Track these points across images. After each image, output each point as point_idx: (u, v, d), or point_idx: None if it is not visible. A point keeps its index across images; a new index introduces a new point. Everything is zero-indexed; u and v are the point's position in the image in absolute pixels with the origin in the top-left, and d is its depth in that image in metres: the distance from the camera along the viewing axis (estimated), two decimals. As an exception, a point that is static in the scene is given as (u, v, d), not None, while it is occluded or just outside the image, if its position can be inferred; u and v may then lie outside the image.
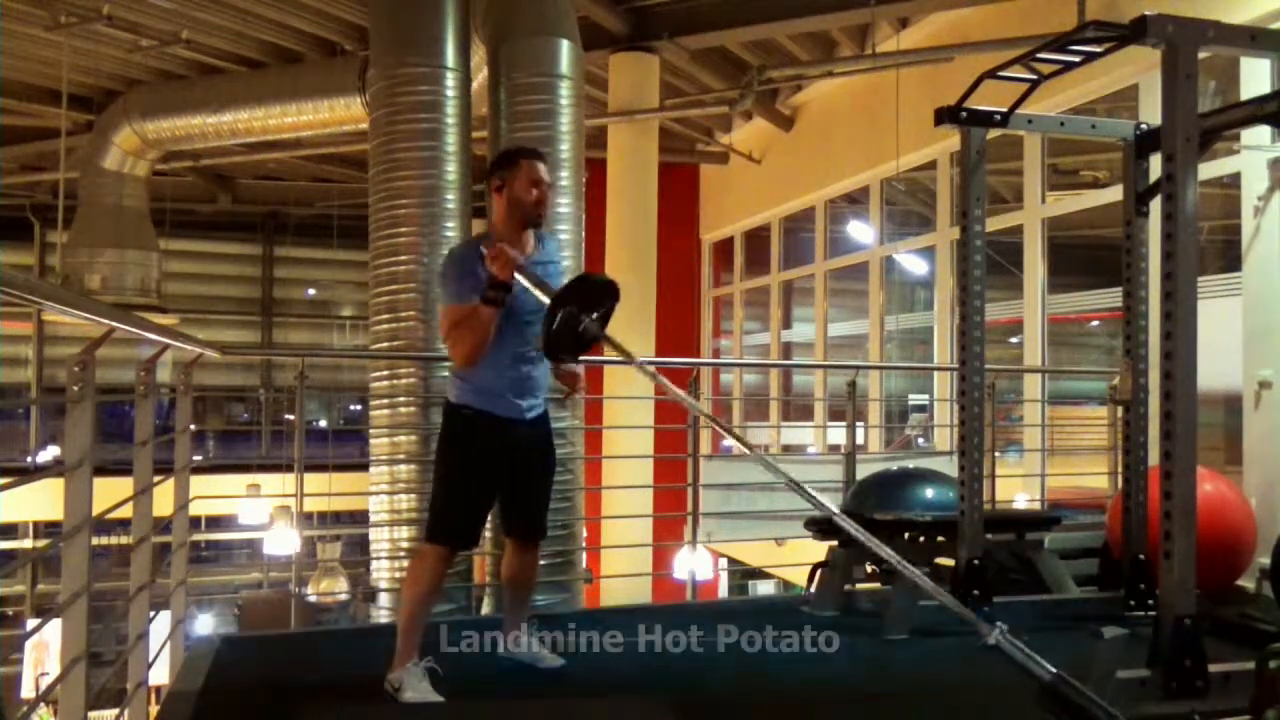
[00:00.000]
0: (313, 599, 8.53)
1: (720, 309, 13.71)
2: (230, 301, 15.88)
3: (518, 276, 2.96)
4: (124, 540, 3.27)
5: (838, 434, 7.30)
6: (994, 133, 4.19)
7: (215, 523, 13.61)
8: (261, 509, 10.68)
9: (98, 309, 2.76)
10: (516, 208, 3.12)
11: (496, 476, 3.13)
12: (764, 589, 10.89)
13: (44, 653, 7.50)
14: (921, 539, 4.17)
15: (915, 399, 10.89)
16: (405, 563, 5.13)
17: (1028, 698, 2.23)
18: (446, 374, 3.31)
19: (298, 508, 4.77)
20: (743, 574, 11.61)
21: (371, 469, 5.62)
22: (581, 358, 3.08)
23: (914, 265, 9.93)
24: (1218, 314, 5.52)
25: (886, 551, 2.47)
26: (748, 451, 2.85)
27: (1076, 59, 3.61)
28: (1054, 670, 2.17)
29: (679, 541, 7.87)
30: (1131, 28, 3.06)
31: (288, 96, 9.10)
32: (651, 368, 2.92)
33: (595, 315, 2.85)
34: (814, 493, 2.57)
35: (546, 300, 2.87)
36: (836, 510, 2.69)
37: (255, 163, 13.02)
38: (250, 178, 14.52)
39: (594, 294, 2.89)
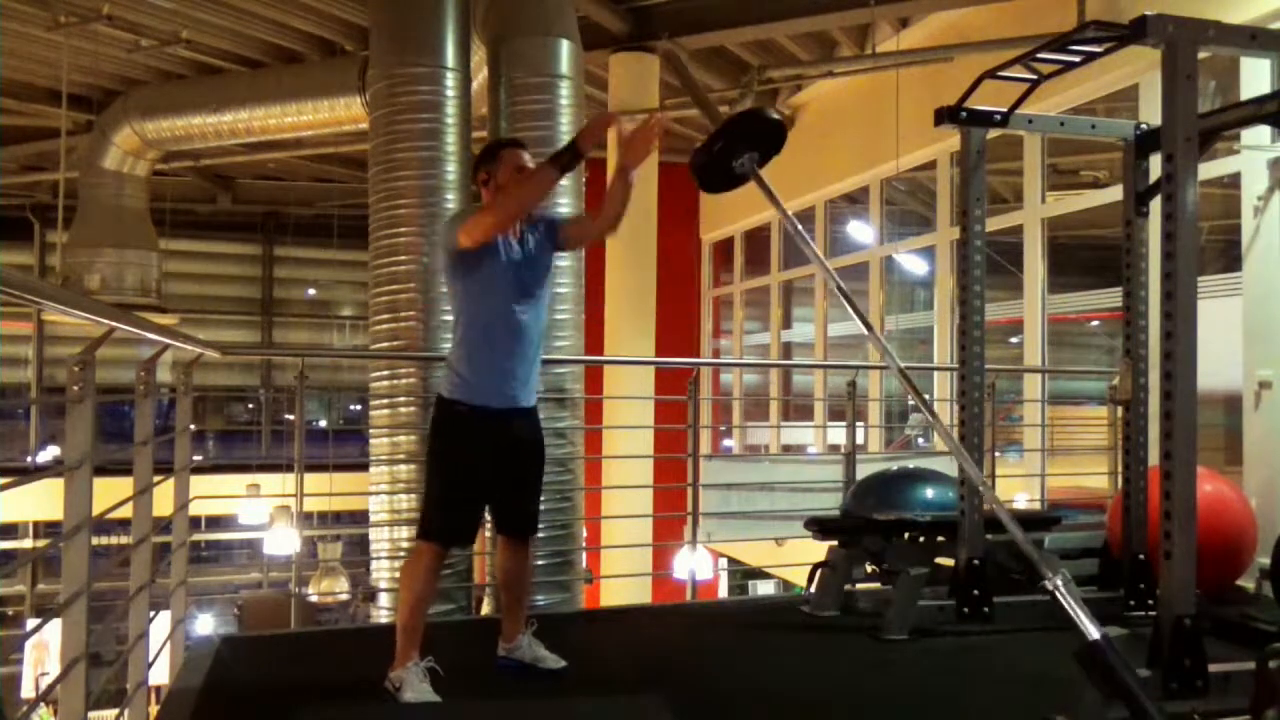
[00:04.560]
0: (313, 599, 8.53)
1: (720, 309, 13.71)
2: (230, 301, 15.89)
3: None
4: (124, 540, 3.27)
5: (838, 434, 7.30)
6: (994, 133, 4.19)
7: (215, 523, 13.62)
8: (261, 509, 10.68)
9: (98, 309, 2.76)
10: None
11: (493, 473, 3.13)
12: (764, 589, 10.89)
13: (44, 653, 7.51)
14: (921, 539, 4.16)
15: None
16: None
17: (1027, 698, 2.23)
18: (442, 369, 3.30)
19: (298, 508, 4.76)
20: (743, 574, 11.61)
21: (371, 469, 5.63)
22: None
23: (914, 265, 9.93)
24: (1218, 314, 5.52)
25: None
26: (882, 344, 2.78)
27: (1076, 59, 3.61)
28: (1103, 631, 2.16)
29: (679, 541, 7.87)
30: (1131, 28, 3.05)
31: (288, 96, 9.11)
32: (796, 222, 2.85)
33: (756, 155, 2.82)
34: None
35: (711, 122, 2.86)
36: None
37: (255, 163, 13.03)
38: (250, 178, 14.53)
39: (760, 131, 2.86)
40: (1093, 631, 2.16)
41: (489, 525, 3.89)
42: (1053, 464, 7.12)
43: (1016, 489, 7.11)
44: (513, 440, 3.16)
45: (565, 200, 5.67)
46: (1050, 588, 2.21)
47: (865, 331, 2.79)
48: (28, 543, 12.80)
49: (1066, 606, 2.19)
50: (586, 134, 2.99)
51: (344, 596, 9.68)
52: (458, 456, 3.11)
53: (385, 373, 5.57)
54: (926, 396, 10.34)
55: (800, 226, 2.84)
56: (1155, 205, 3.39)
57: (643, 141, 3.04)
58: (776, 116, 2.88)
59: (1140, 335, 4.25)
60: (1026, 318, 7.78)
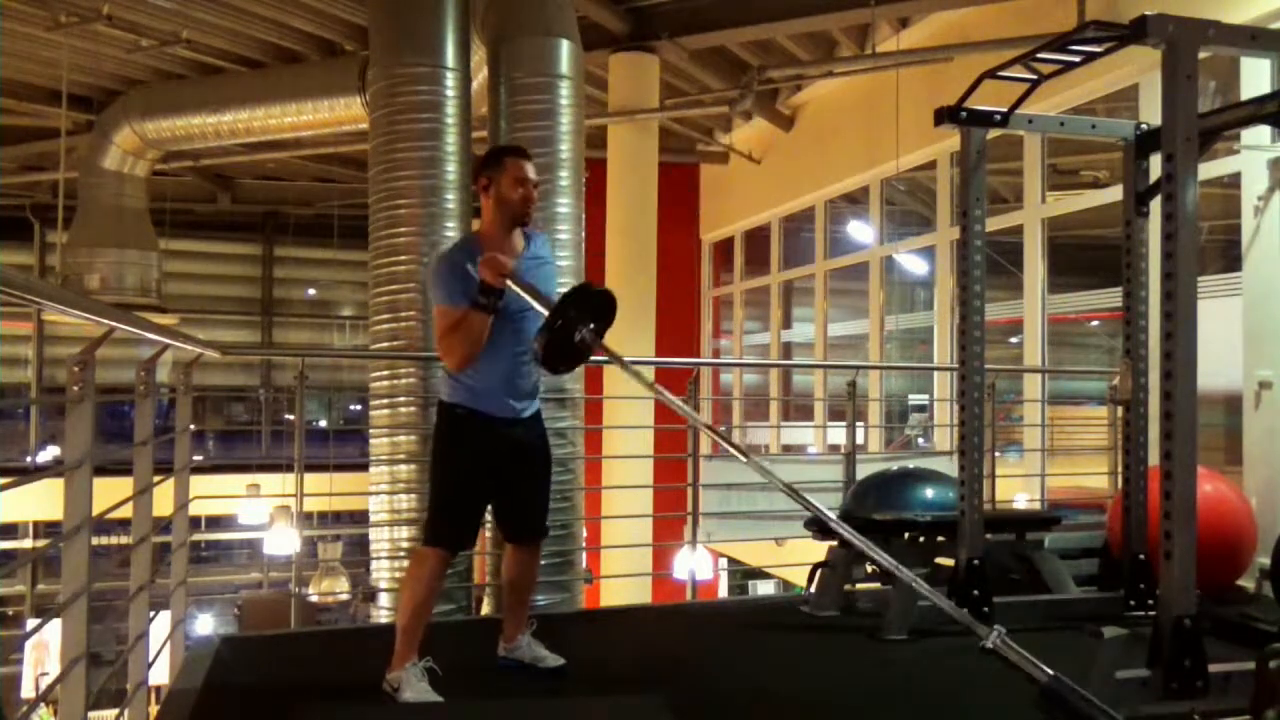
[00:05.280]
0: (313, 599, 8.53)
1: (720, 309, 13.71)
2: (230, 301, 15.88)
3: (511, 285, 2.97)
4: (124, 540, 3.27)
5: (838, 434, 7.30)
6: (994, 133, 4.19)
7: (215, 523, 13.61)
8: (261, 509, 10.68)
9: (98, 309, 2.76)
10: (503, 207, 3.13)
11: (492, 477, 3.13)
12: (764, 589, 10.89)
13: (44, 653, 7.50)
14: (921, 539, 4.17)
15: (915, 399, 10.90)
16: (405, 563, 5.13)
17: (1027, 698, 2.23)
18: (441, 373, 3.30)
19: (298, 508, 4.77)
20: (743, 574, 11.61)
21: (371, 469, 5.62)
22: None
23: (914, 265, 9.93)
24: (1218, 314, 5.52)
25: (880, 555, 2.48)
26: (744, 459, 2.82)
27: (1076, 59, 3.61)
28: (1051, 672, 2.17)
29: (679, 541, 7.87)
30: (1131, 28, 3.06)
31: (288, 96, 9.10)
32: (649, 376, 2.91)
33: (592, 326, 2.83)
34: (809, 497, 2.59)
35: (542, 309, 2.87)
36: (829, 513, 2.70)
37: (255, 163, 13.02)
38: (250, 178, 14.52)
39: (591, 304, 2.88)
40: (1041, 675, 2.17)
41: (489, 525, 3.89)
42: (1053, 464, 7.12)
43: (1016, 489, 7.11)
44: (514, 444, 3.15)
45: (564, 201, 5.67)
46: (990, 645, 2.22)
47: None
48: (28, 543, 12.80)
49: (1010, 658, 2.20)
50: (487, 268, 2.95)
51: (344, 596, 9.68)
52: (458, 460, 3.11)
53: (385, 373, 5.56)
54: (927, 398, 10.18)
55: (662, 390, 2.88)
56: (1155, 205, 3.39)
57: None
58: (603, 288, 2.93)
59: (1140, 335, 4.26)
60: (1026, 318, 7.78)
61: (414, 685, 2.98)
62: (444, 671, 3.07)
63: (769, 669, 3.62)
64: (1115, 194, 4.90)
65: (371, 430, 5.71)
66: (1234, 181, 5.78)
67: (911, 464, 6.45)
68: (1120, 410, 4.59)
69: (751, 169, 12.06)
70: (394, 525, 5.47)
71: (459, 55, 5.71)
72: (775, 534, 6.25)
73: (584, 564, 6.47)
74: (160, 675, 3.64)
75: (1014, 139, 7.34)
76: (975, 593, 3.98)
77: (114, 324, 2.59)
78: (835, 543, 4.36)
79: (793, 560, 5.38)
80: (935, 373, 9.11)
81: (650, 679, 3.43)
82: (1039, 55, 3.61)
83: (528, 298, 2.95)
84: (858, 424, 6.04)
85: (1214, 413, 5.92)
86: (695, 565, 5.72)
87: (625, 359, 2.92)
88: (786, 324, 12.12)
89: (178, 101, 9.77)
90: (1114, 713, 2.13)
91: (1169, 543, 2.94)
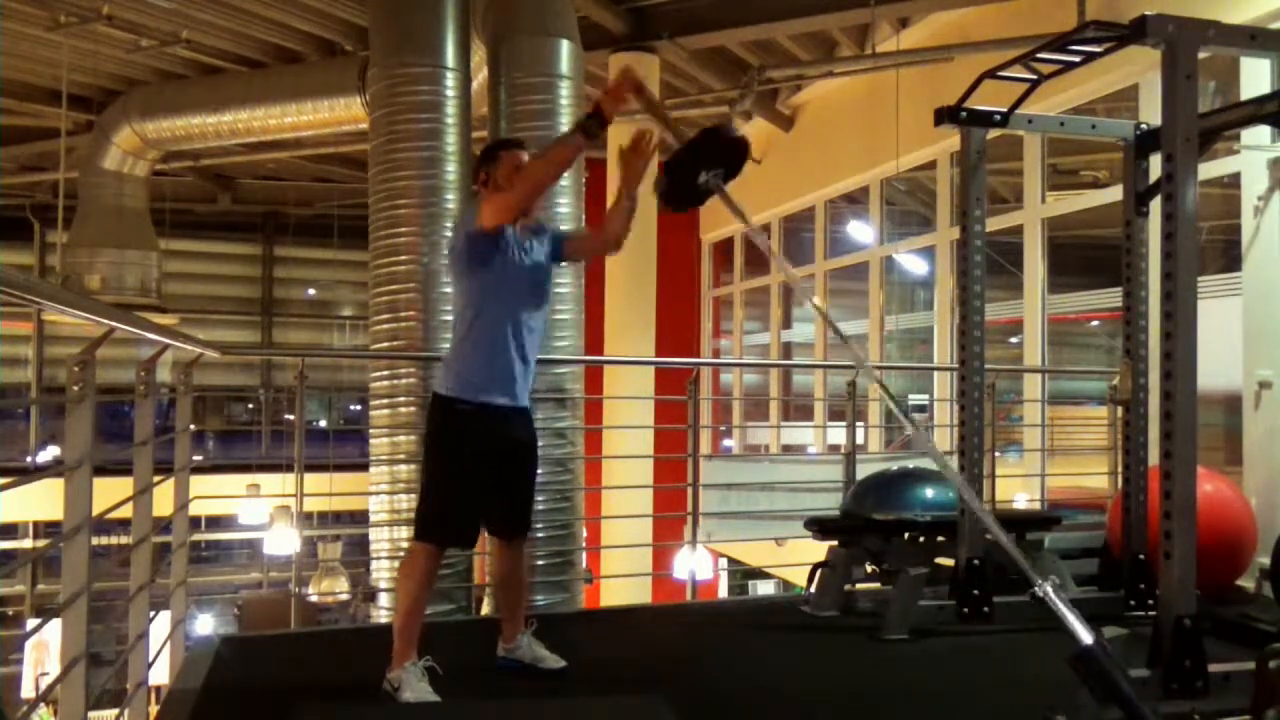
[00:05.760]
0: (313, 599, 8.53)
1: (720, 309, 13.70)
2: (230, 301, 15.89)
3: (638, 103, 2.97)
4: (124, 540, 3.27)
5: (837, 434, 7.30)
6: (994, 133, 4.19)
7: (215, 523, 13.62)
8: (261, 509, 10.68)
9: (98, 309, 2.76)
10: None
11: (492, 476, 3.13)
12: (764, 589, 10.89)
13: (44, 653, 7.50)
14: (921, 539, 4.17)
15: (915, 399, 10.89)
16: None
17: (1027, 697, 2.23)
18: (441, 367, 3.30)
19: (298, 508, 4.77)
20: (743, 574, 11.61)
21: (371, 469, 5.63)
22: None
23: (914, 265, 9.93)
24: (1218, 314, 5.52)
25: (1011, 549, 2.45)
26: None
27: (1076, 59, 3.61)
28: (1095, 634, 2.16)
29: (679, 541, 7.87)
30: (1131, 28, 3.06)
31: (288, 96, 9.10)
32: (763, 235, 2.94)
33: (719, 171, 2.87)
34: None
35: (673, 140, 2.89)
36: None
37: (255, 163, 13.03)
38: (250, 178, 14.53)
39: (723, 148, 2.92)
40: (1084, 636, 2.15)
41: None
42: (1053, 464, 7.12)
43: (1016, 489, 7.11)
44: (511, 441, 3.16)
45: (564, 200, 5.67)
46: (1040, 594, 2.21)
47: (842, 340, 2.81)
48: (28, 543, 12.80)
49: (1057, 612, 2.19)
50: (610, 96, 2.96)
51: (344, 596, 9.68)
52: (458, 455, 3.11)
53: (385, 373, 5.57)
54: (925, 398, 10.19)
55: (768, 240, 2.91)
56: (1155, 205, 3.39)
57: (638, 159, 3.11)
58: (739, 134, 2.97)
59: (1140, 335, 4.26)
60: (1026, 318, 7.78)
61: (414, 685, 2.98)
62: (444, 671, 3.07)
63: (769, 669, 3.62)
64: (1115, 194, 4.89)
65: (371, 430, 5.72)
66: (1234, 181, 5.78)
67: (911, 464, 6.45)
68: (1120, 410, 4.59)
69: (751, 169, 11.96)
70: (394, 525, 5.47)
71: (459, 55, 5.72)
72: (775, 534, 6.25)
73: (584, 564, 6.48)
74: (160, 675, 3.64)
75: (1014, 139, 7.34)
76: (975, 592, 3.98)
77: (114, 324, 2.59)
78: (835, 542, 4.35)
79: (793, 560, 5.38)
80: (935, 373, 9.10)
81: (650, 679, 3.43)
82: (1039, 55, 3.61)
83: (660, 123, 2.99)
84: (857, 424, 6.04)
85: (1214, 413, 5.92)
86: (695, 565, 5.72)
87: (742, 210, 2.89)
88: (786, 324, 12.12)
89: (178, 101, 9.77)
90: (1140, 704, 2.12)
91: (1169, 543, 2.94)
